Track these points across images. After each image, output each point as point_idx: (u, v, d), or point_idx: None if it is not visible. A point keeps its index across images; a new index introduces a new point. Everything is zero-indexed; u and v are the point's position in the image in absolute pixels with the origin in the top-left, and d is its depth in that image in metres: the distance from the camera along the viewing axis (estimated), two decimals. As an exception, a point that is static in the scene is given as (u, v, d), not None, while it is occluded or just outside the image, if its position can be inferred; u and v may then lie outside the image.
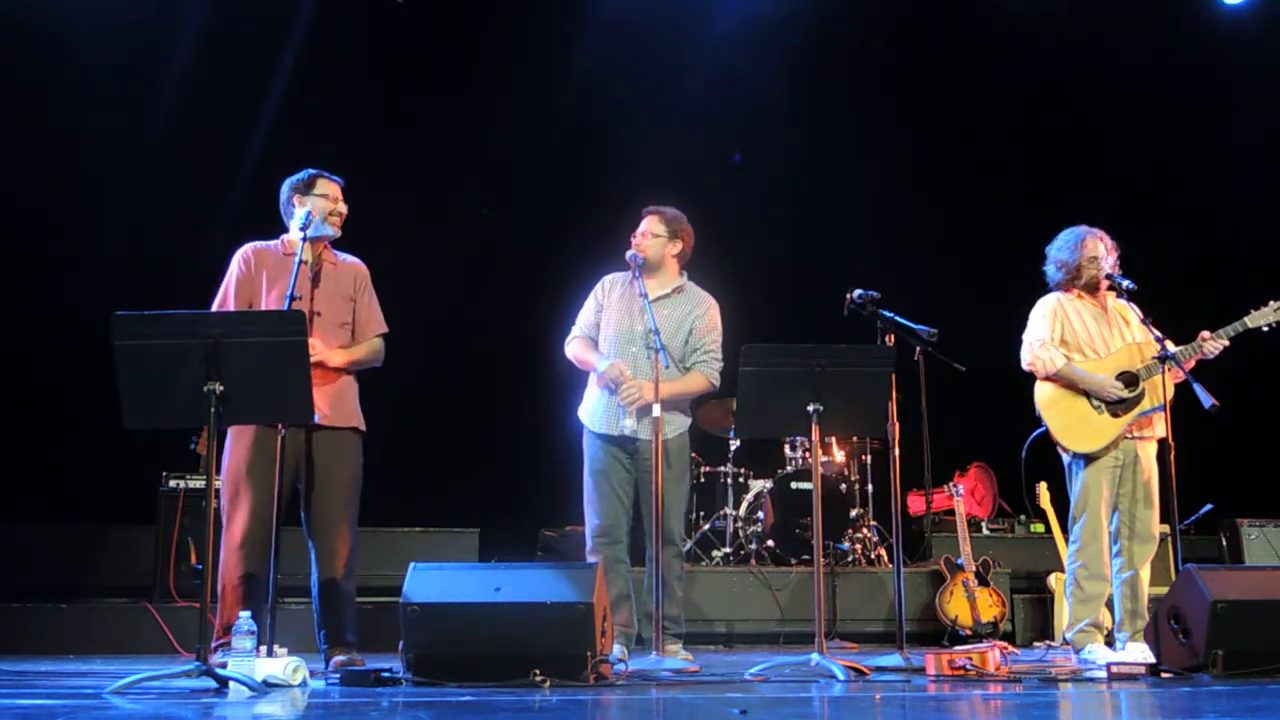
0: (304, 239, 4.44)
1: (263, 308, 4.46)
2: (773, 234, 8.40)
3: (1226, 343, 5.03)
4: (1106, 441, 5.03)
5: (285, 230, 4.69)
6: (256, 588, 4.35)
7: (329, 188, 4.65)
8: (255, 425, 4.37)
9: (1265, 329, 5.02)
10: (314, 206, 4.57)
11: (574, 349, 5.11)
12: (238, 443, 4.42)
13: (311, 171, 4.67)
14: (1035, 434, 5.34)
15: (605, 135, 8.20)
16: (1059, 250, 5.28)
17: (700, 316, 5.07)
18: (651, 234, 5.08)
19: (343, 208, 4.64)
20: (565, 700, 3.41)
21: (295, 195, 4.64)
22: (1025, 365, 5.19)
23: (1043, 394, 5.16)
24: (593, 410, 5.02)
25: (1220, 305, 5.22)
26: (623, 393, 4.86)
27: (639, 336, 4.98)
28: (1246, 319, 5.02)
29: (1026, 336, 5.21)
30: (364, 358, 4.62)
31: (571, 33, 8.07)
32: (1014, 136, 8.52)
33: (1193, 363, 5.03)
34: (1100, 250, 5.18)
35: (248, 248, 4.60)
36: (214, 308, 4.50)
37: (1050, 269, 5.30)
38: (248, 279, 4.52)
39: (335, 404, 4.48)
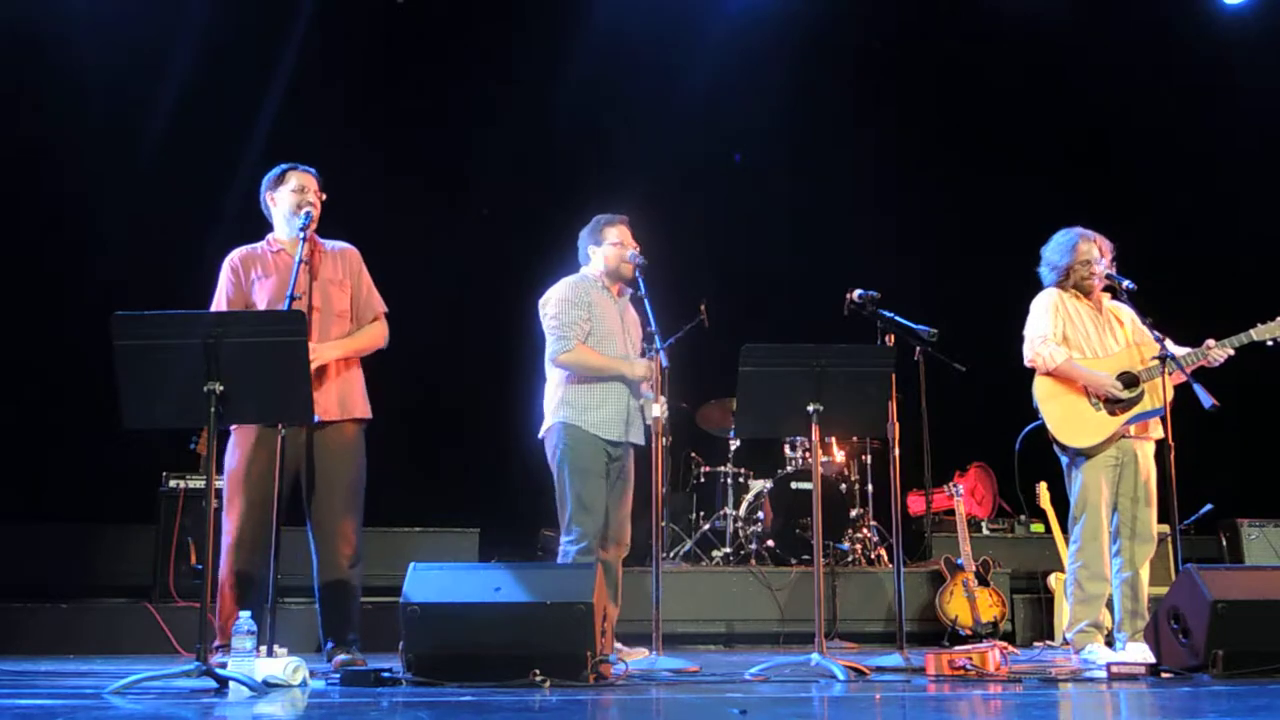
0: (303, 239, 4.44)
1: (259, 307, 4.45)
2: (773, 234, 8.40)
3: (1231, 352, 5.01)
4: (1102, 438, 5.03)
5: (270, 229, 4.70)
6: (253, 588, 4.35)
7: (301, 178, 4.64)
8: (257, 425, 4.36)
9: (1269, 344, 4.99)
10: (284, 200, 4.58)
11: (584, 356, 4.94)
12: (238, 443, 4.41)
13: (283, 166, 4.67)
14: (1030, 426, 5.34)
15: (606, 134, 8.20)
16: (1052, 252, 5.28)
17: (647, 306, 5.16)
18: (633, 241, 5.13)
19: (313, 198, 4.61)
20: (565, 700, 3.41)
21: (269, 193, 4.67)
22: (1027, 361, 5.19)
23: (1041, 388, 5.16)
24: (604, 416, 4.93)
25: (1219, 306, 5.22)
26: (649, 399, 4.90)
27: (633, 340, 5.04)
28: (1253, 331, 4.99)
29: (1028, 332, 5.20)
30: (364, 345, 4.62)
31: (572, 32, 8.06)
32: (1013, 136, 8.51)
33: (1194, 366, 5.03)
34: (1093, 253, 5.18)
35: (234, 254, 4.58)
36: None
37: (1043, 270, 5.31)
38: (239, 285, 4.51)
39: (341, 399, 4.48)
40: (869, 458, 7.41)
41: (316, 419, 4.26)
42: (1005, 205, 8.14)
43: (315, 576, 4.47)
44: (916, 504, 7.51)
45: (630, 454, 5.01)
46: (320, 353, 4.41)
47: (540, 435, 5.03)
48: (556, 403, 4.99)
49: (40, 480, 6.81)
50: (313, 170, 4.69)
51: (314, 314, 4.45)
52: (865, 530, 7.18)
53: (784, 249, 8.36)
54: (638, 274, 5.00)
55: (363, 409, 4.58)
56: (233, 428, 4.43)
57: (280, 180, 4.64)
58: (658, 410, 4.76)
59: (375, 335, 4.65)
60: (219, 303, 4.53)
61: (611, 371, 4.96)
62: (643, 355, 5.01)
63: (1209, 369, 5.02)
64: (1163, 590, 4.57)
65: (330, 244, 4.70)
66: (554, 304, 5.01)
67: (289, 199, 4.58)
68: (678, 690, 3.90)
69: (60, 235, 7.08)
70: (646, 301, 4.90)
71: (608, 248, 5.09)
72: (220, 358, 3.76)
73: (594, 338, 5.00)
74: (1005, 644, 5.28)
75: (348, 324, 4.60)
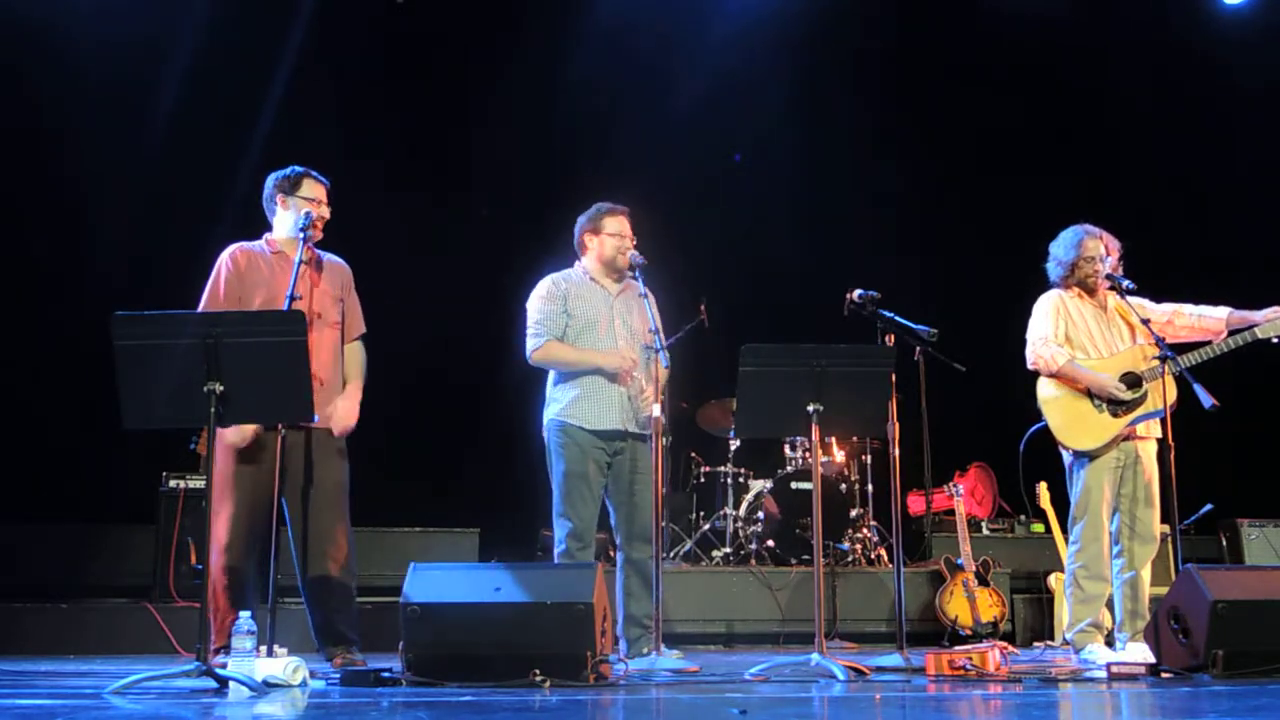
0: (302, 240, 4.44)
1: (253, 305, 4.44)
2: (773, 233, 8.40)
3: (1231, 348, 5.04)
4: (1105, 440, 5.03)
5: (269, 227, 4.68)
6: (247, 590, 4.35)
7: (315, 189, 4.61)
8: (243, 427, 4.34)
9: (1275, 340, 5.00)
10: (295, 205, 4.56)
11: (554, 352, 4.91)
12: (223, 445, 4.36)
13: (299, 170, 4.64)
14: (1034, 429, 5.34)
15: (606, 134, 8.20)
16: (1058, 248, 5.30)
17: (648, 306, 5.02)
18: (631, 235, 5.05)
19: (325, 211, 4.61)
20: (565, 700, 3.41)
21: (280, 194, 4.62)
22: (1029, 363, 5.19)
23: (1044, 390, 5.16)
24: (590, 408, 4.88)
25: (1220, 304, 5.21)
26: (637, 388, 4.85)
27: (633, 330, 4.98)
28: (1257, 329, 5.01)
29: (1029, 334, 5.21)
30: (362, 381, 4.65)
31: (572, 32, 8.06)
32: (1014, 136, 8.51)
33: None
34: (1099, 250, 5.19)
35: (235, 249, 4.57)
36: (201, 310, 4.46)
37: (1050, 265, 5.33)
38: (236, 280, 4.49)
39: (326, 407, 4.47)
40: (869, 458, 7.41)
41: (316, 419, 4.26)
42: (1005, 205, 8.14)
43: (304, 579, 4.46)
44: (916, 504, 7.51)
45: (639, 445, 4.91)
46: (347, 423, 4.51)
47: (542, 434, 5.04)
48: (548, 399, 4.99)
49: (41, 480, 6.80)
50: (326, 181, 4.68)
51: (312, 316, 4.44)
52: (865, 530, 7.18)
53: (784, 249, 8.36)
54: (638, 274, 4.97)
55: None
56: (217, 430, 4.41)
57: (295, 184, 4.60)
58: (657, 410, 4.74)
59: (364, 361, 4.69)
60: (213, 292, 4.49)
61: (584, 364, 4.90)
62: (644, 355, 4.97)
63: (1208, 362, 5.02)
64: (1163, 590, 4.57)
65: (326, 256, 4.69)
66: (531, 302, 5.00)
67: (301, 207, 4.55)
68: (678, 690, 3.90)
69: (60, 235, 7.07)
70: (648, 301, 4.88)
71: (606, 238, 5.02)
72: (220, 358, 3.76)
73: (573, 330, 4.94)
74: (1005, 644, 5.28)
75: (338, 335, 4.61)
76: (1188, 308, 5.22)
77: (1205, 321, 5.16)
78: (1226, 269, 7.97)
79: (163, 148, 7.27)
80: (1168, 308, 5.25)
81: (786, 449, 7.45)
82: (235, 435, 4.36)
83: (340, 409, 4.51)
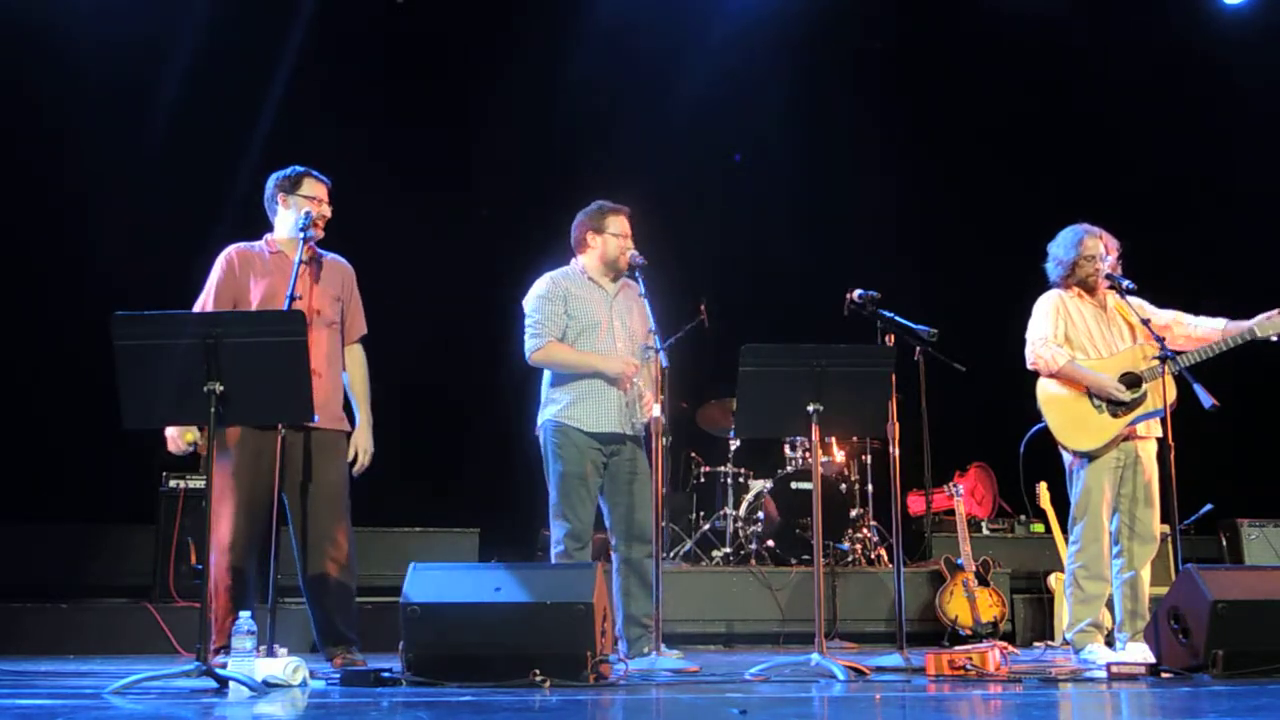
0: (303, 239, 4.44)
1: (250, 308, 4.44)
2: (773, 233, 8.40)
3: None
4: (1105, 440, 5.03)
5: (269, 227, 4.68)
6: (246, 588, 4.35)
7: (315, 188, 4.61)
8: (243, 427, 4.35)
9: (1274, 338, 4.99)
10: (296, 204, 4.56)
11: (555, 354, 4.88)
12: (224, 445, 4.37)
13: (299, 169, 4.63)
14: (1034, 429, 5.34)
15: (606, 134, 8.20)
16: (1058, 247, 5.30)
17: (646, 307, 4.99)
18: (630, 234, 5.04)
19: (327, 210, 4.61)
20: (565, 700, 3.41)
21: (280, 193, 4.62)
22: (1029, 364, 5.19)
23: (1044, 391, 5.16)
24: (589, 410, 4.85)
25: (1220, 304, 5.22)
26: (636, 393, 4.84)
27: (631, 331, 4.97)
28: (1255, 327, 5.00)
29: (1029, 334, 5.21)
30: (369, 401, 4.67)
31: (572, 32, 8.06)
32: (1014, 136, 8.51)
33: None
34: (1099, 249, 5.19)
35: (231, 250, 4.57)
36: (196, 310, 4.46)
37: (1050, 265, 5.33)
38: (230, 280, 4.49)
39: (325, 406, 4.47)
40: (869, 458, 7.41)
41: (315, 419, 4.26)
42: (1006, 205, 8.15)
43: (304, 579, 4.46)
44: (916, 504, 7.51)
45: (636, 448, 4.91)
46: (366, 457, 4.57)
47: (535, 433, 5.03)
48: (545, 400, 4.97)
49: (40, 480, 6.80)
50: (327, 180, 4.67)
51: (311, 315, 4.44)
52: (865, 530, 7.18)
53: (784, 249, 8.36)
54: (638, 274, 4.96)
55: (345, 423, 4.62)
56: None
57: (296, 184, 4.60)
58: (657, 410, 4.74)
59: (366, 377, 4.71)
60: (209, 293, 4.50)
61: (585, 368, 4.87)
62: (644, 355, 4.97)
63: (1207, 361, 5.01)
64: (1163, 590, 4.57)
65: (327, 255, 4.68)
66: (530, 301, 4.96)
67: (302, 205, 4.55)
68: (678, 690, 3.90)
69: (60, 235, 7.07)
70: (647, 301, 4.87)
71: (609, 238, 4.99)
72: (220, 358, 3.76)
73: (573, 332, 4.92)
74: (1005, 644, 5.28)
75: (336, 333, 4.60)
76: (1187, 317, 5.21)
77: (1201, 331, 5.14)
78: (1226, 269, 7.97)
79: (163, 148, 7.27)
80: (1168, 314, 5.23)
81: (786, 449, 7.45)
82: (173, 446, 4.43)
83: (362, 449, 4.57)
